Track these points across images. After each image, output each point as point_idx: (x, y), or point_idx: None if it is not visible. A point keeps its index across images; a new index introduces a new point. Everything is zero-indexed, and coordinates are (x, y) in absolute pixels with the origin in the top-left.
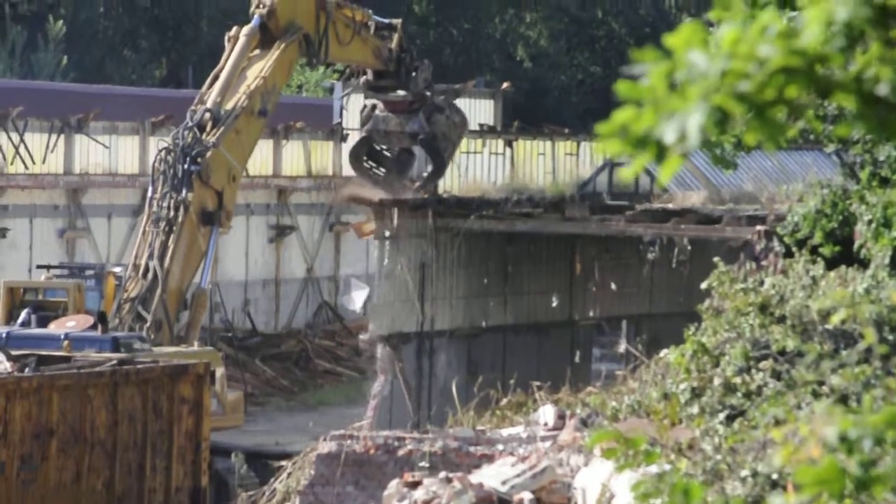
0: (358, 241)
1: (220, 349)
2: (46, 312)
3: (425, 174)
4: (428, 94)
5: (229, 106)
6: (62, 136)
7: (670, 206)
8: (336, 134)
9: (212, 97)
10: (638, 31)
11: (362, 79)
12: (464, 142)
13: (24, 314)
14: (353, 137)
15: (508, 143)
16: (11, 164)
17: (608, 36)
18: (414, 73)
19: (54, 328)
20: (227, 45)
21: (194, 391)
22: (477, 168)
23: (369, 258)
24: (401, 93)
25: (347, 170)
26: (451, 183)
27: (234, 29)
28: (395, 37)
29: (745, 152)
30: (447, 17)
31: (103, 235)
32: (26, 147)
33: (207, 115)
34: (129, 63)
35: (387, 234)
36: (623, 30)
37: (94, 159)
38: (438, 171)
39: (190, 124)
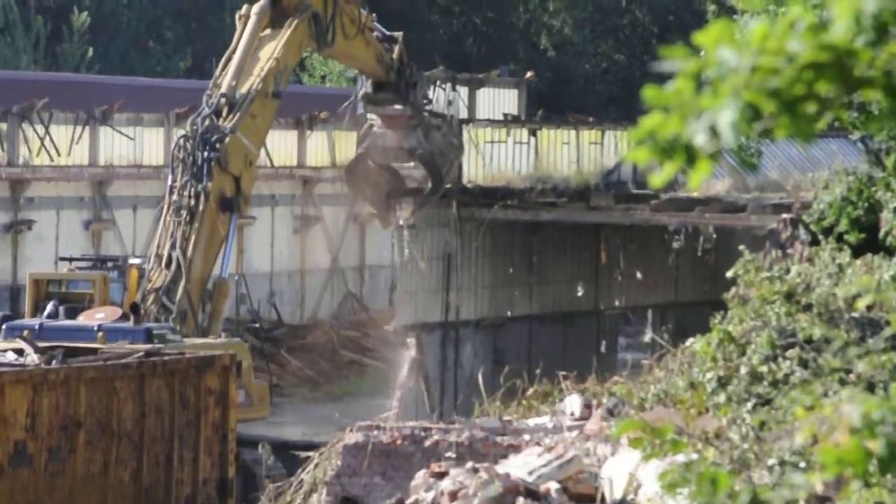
0: (382, 231)
1: (246, 340)
2: (72, 304)
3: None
4: (426, 111)
5: (244, 89)
6: (87, 128)
7: (695, 194)
8: (359, 124)
9: (226, 81)
10: (662, 19)
11: (361, 91)
12: (488, 131)
13: (50, 306)
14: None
15: (532, 133)
16: (37, 156)
17: (632, 24)
18: (414, 88)
19: (84, 320)
20: (238, 25)
21: (221, 383)
22: (501, 157)
23: (394, 249)
24: (398, 107)
25: None
26: (475, 172)
27: (245, 7)
28: (397, 49)
29: (770, 141)
30: (470, 6)
31: (129, 227)
32: (51, 139)
33: (223, 100)
34: (154, 54)
35: (401, 222)
36: (647, 18)
37: (119, 151)
38: (436, 187)
39: (206, 110)
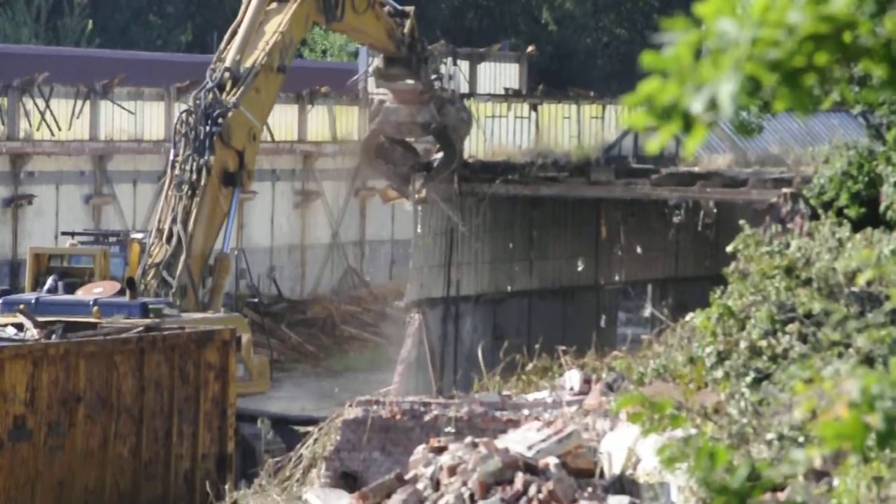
0: (383, 206)
1: (245, 315)
2: (72, 279)
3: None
4: (438, 85)
5: (248, 63)
6: (87, 103)
7: (696, 169)
8: (361, 99)
9: (230, 55)
10: None
11: (372, 66)
12: (489, 105)
13: (50, 281)
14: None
15: (533, 107)
16: (37, 130)
17: None
18: (425, 63)
19: (82, 294)
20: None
21: (220, 357)
22: (502, 132)
23: (395, 223)
24: (410, 82)
25: None
26: (476, 147)
27: None
28: (408, 23)
29: (771, 115)
30: None
31: (129, 202)
32: (52, 113)
33: (227, 74)
34: (155, 28)
35: (416, 196)
36: None
37: (120, 125)
38: (449, 160)
39: (210, 84)
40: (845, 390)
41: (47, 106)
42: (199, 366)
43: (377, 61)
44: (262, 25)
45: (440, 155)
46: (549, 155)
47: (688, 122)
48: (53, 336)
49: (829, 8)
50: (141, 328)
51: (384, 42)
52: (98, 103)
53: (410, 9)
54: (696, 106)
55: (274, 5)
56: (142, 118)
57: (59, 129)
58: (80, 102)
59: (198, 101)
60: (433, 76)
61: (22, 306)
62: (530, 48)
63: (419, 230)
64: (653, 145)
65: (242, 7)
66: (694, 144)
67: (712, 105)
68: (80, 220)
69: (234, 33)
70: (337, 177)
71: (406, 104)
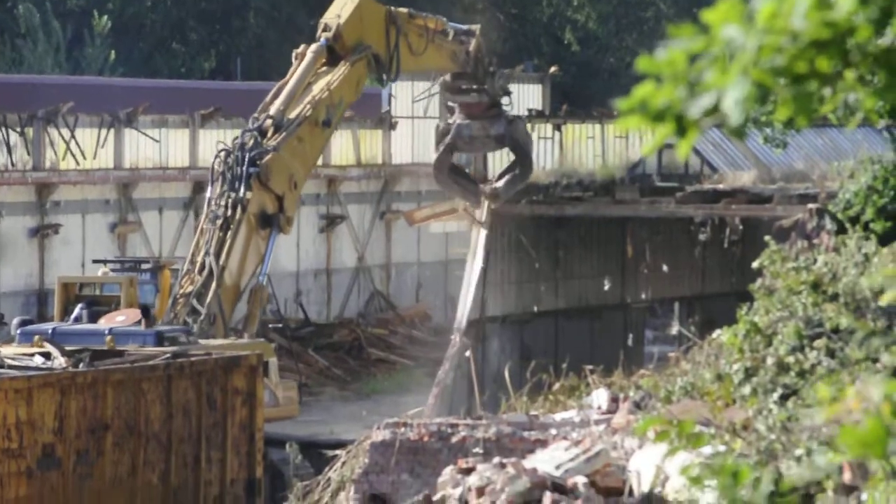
0: (409, 229)
1: (272, 340)
2: (101, 307)
3: (503, 181)
4: (507, 101)
5: (293, 115)
6: (112, 131)
7: (721, 186)
8: (385, 122)
9: (275, 106)
10: (685, 11)
11: (440, 80)
12: None
13: (77, 309)
14: (402, 125)
15: (557, 128)
16: (63, 159)
17: (656, 17)
18: (492, 77)
19: (104, 323)
20: (294, 62)
21: (247, 383)
22: None
23: (420, 246)
24: (476, 95)
25: (397, 158)
26: (500, 169)
27: (302, 47)
28: (474, 41)
29: (796, 131)
30: (494, 2)
31: (154, 229)
32: (77, 143)
33: (269, 121)
34: (178, 56)
35: (482, 220)
36: (671, 11)
37: (144, 153)
38: (525, 173)
39: (251, 129)
40: (865, 391)
41: (72, 135)
42: (226, 391)
43: (445, 75)
44: (310, 85)
45: (504, 179)
46: (574, 175)
47: (681, 125)
48: (81, 364)
49: (831, 14)
50: (168, 355)
51: (447, 66)
52: (122, 132)
53: (476, 27)
54: (695, 111)
55: (324, 68)
56: (166, 145)
57: (84, 159)
58: (104, 131)
59: (237, 142)
60: (501, 92)
61: (37, 337)
62: (553, 69)
63: (478, 251)
64: (646, 149)
65: (292, 67)
66: (686, 148)
67: (713, 110)
68: (106, 248)
69: (281, 89)
70: (362, 200)
71: (476, 119)
